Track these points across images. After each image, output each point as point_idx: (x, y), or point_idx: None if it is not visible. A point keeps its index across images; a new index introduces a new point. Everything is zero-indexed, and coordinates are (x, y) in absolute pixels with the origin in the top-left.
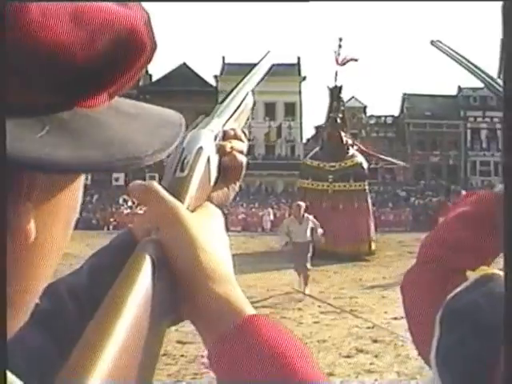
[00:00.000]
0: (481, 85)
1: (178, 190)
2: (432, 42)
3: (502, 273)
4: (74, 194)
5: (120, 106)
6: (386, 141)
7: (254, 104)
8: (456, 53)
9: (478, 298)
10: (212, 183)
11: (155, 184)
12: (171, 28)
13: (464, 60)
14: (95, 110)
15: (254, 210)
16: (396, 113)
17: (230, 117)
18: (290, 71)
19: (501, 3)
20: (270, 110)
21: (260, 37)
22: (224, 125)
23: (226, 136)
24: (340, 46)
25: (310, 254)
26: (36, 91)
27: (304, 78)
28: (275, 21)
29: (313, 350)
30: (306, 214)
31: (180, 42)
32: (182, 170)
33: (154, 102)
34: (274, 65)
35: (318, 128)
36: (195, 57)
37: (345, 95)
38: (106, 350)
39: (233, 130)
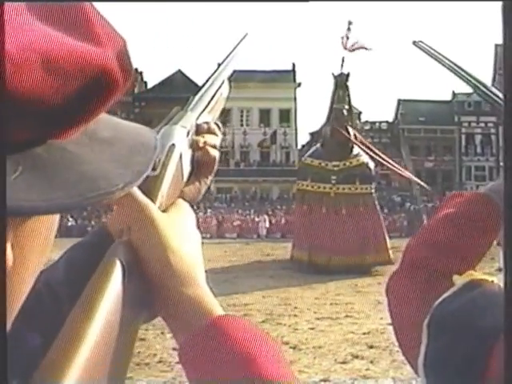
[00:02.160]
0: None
1: (150, 189)
2: (414, 43)
3: (489, 278)
4: (51, 218)
5: (96, 131)
6: (381, 146)
7: (230, 90)
8: (438, 53)
9: (466, 304)
10: (185, 179)
11: None
12: (166, 35)
13: (446, 60)
14: (70, 140)
15: (249, 216)
16: (390, 118)
17: (205, 108)
18: (285, 78)
19: (501, 3)
20: (264, 116)
21: (255, 44)
22: (198, 118)
23: (199, 130)
24: (349, 29)
25: None
26: (8, 131)
27: (299, 85)
28: (271, 28)
29: (308, 356)
30: None
31: (175, 49)
32: (154, 169)
33: (149, 109)
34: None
35: (313, 134)
36: (191, 63)
37: (352, 85)
38: (77, 352)
39: (206, 123)
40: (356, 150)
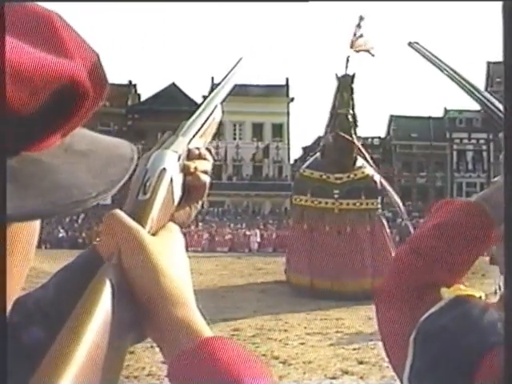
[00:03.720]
0: (466, 106)
1: (140, 213)
2: (410, 44)
3: (477, 294)
4: (32, 224)
5: (72, 144)
6: (373, 162)
7: (223, 114)
8: (433, 55)
9: (452, 321)
10: (175, 203)
11: (118, 211)
12: (160, 48)
13: (442, 63)
14: (45, 152)
15: (240, 230)
16: (382, 134)
17: (196, 133)
18: (278, 92)
19: (501, 3)
20: (257, 130)
21: (250, 58)
22: (189, 143)
23: (190, 155)
24: (359, 26)
25: None
26: None
27: (292, 100)
28: (265, 42)
29: (298, 371)
30: None
31: (169, 62)
32: (145, 193)
33: (142, 121)
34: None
35: (305, 149)
36: (184, 77)
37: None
38: (66, 372)
39: (197, 149)
40: (360, 161)
